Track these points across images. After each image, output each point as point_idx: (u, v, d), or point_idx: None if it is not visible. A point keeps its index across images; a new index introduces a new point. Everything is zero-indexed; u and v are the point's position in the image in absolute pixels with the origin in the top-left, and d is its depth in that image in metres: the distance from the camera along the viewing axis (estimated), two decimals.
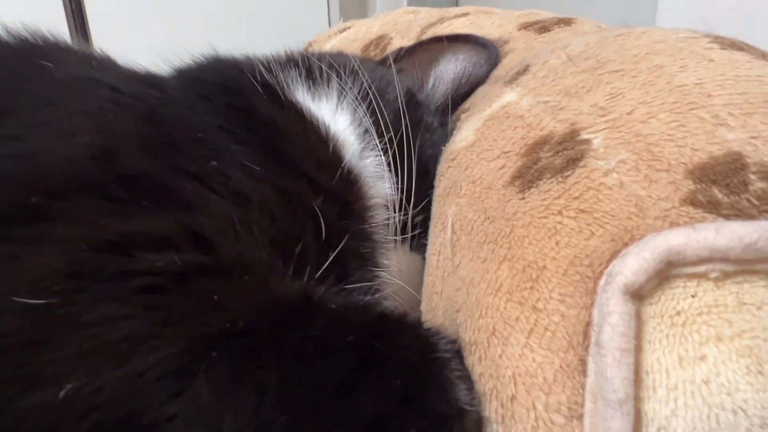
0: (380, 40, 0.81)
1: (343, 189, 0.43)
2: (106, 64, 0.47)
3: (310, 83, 0.50)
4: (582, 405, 0.30)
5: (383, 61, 0.64)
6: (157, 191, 0.35)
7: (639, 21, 0.52)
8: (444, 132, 0.55)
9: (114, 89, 0.42)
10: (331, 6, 2.28)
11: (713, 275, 0.29)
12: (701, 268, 0.29)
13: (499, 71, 0.61)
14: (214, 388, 0.28)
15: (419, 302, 0.47)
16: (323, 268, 0.38)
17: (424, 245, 0.48)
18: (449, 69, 0.61)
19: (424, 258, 0.48)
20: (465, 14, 0.77)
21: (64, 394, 0.26)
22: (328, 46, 0.91)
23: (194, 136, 0.41)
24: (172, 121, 0.41)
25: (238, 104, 0.45)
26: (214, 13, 1.95)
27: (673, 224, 0.31)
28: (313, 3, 2.26)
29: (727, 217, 0.31)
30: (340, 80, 0.50)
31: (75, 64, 0.44)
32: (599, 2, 1.54)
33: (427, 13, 0.83)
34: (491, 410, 0.34)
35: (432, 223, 0.48)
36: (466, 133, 0.49)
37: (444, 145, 0.52)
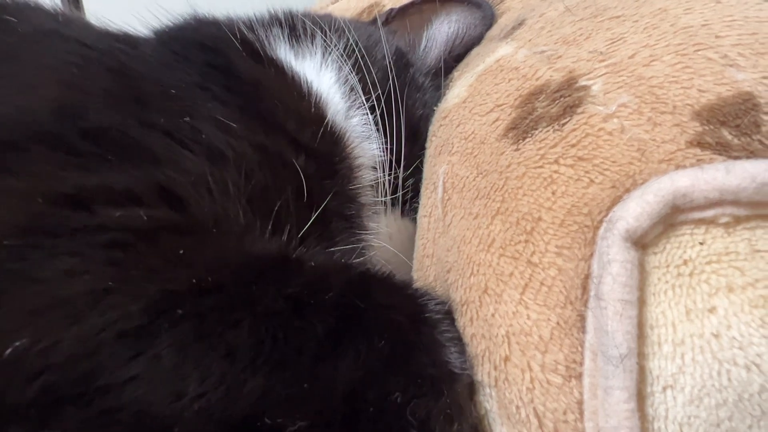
0: (373, 8, 0.78)
1: (326, 148, 0.41)
2: (75, 20, 0.45)
3: (294, 41, 0.48)
4: (581, 363, 0.28)
5: (372, 22, 0.61)
6: (122, 145, 0.33)
7: None
8: (436, 94, 0.53)
9: (82, 44, 0.39)
10: None
11: (723, 220, 0.27)
12: (710, 213, 0.27)
13: (494, 31, 0.58)
14: (178, 348, 0.26)
15: (411, 270, 0.44)
16: (304, 229, 0.36)
17: (416, 210, 0.46)
18: (442, 30, 0.58)
19: (415, 225, 0.45)
20: None
21: (10, 353, 0.24)
22: None
23: (167, 93, 0.38)
24: (142, 77, 0.39)
25: (216, 62, 0.43)
26: None
27: (680, 167, 0.28)
28: None
29: (737, 159, 0.28)
30: (325, 37, 0.47)
31: (41, 19, 0.42)
32: None
33: None
34: (483, 373, 0.31)
35: (423, 185, 0.45)
36: (458, 90, 0.46)
37: (436, 106, 0.49)
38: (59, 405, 0.24)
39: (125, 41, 0.43)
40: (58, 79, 0.36)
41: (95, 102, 0.35)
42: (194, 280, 0.28)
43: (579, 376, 0.28)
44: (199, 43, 0.45)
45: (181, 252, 0.29)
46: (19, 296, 0.26)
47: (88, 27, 0.44)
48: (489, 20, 0.59)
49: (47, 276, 0.26)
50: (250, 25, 0.48)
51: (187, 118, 0.36)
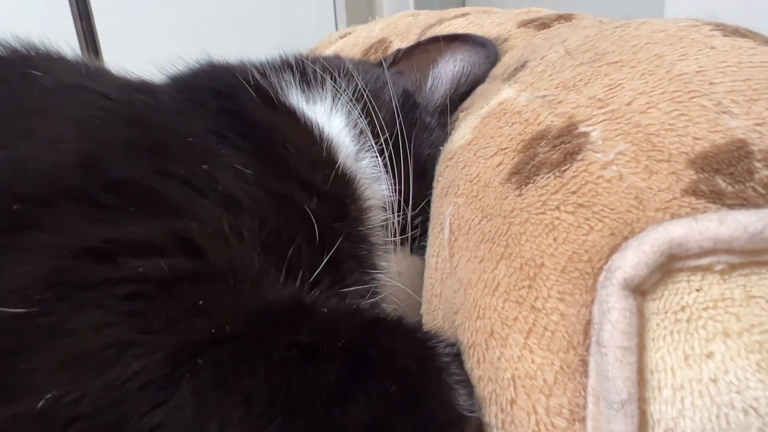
0: (381, 44, 0.81)
1: (337, 191, 0.43)
2: (97, 72, 0.47)
3: (305, 86, 0.50)
4: (584, 407, 0.29)
5: (379, 64, 0.63)
6: (143, 196, 0.35)
7: (646, 15, 0.50)
8: (443, 132, 0.54)
9: (103, 96, 0.41)
10: (337, 12, 2.29)
11: (719, 267, 0.28)
12: (705, 261, 0.28)
13: (498, 69, 0.60)
14: (198, 397, 0.27)
15: (420, 305, 0.46)
16: (317, 271, 0.37)
17: (425, 247, 0.47)
18: (448, 69, 0.60)
19: (424, 260, 0.47)
20: (464, 14, 0.76)
21: (42, 404, 0.26)
22: (330, 51, 0.90)
23: (184, 141, 0.40)
24: (161, 127, 0.41)
25: (231, 108, 0.45)
26: (221, 23, 1.97)
27: (675, 216, 0.30)
28: (320, 10, 2.27)
29: (731, 206, 0.29)
30: (335, 82, 0.49)
31: (65, 73, 0.44)
32: None
33: (427, 15, 0.82)
34: (491, 415, 0.32)
35: (431, 225, 0.46)
36: (463, 131, 0.48)
37: (443, 146, 0.51)
38: None
39: (144, 91, 0.45)
40: (82, 133, 0.37)
41: (117, 154, 0.37)
42: (213, 330, 0.29)
43: (582, 420, 0.29)
44: (214, 90, 0.47)
45: (201, 303, 0.30)
46: (49, 350, 0.27)
47: (109, 78, 0.47)
48: (493, 59, 0.60)
49: (74, 329, 0.28)
50: (262, 70, 0.50)
51: (205, 166, 0.38)
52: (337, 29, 2.23)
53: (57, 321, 0.28)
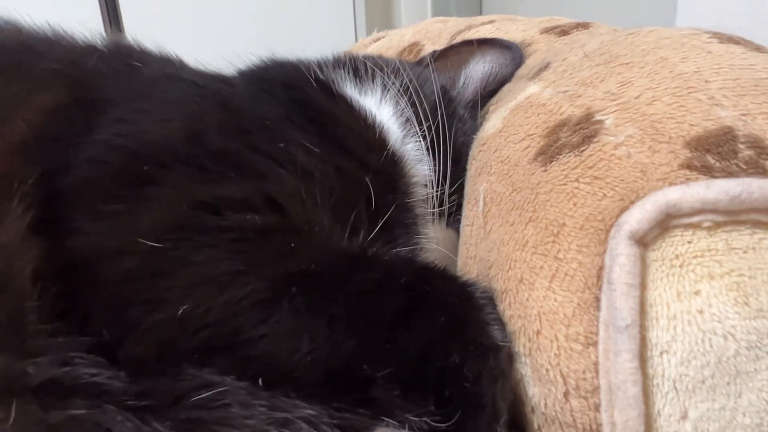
0: (413, 47, 0.88)
1: (389, 168, 0.50)
2: (183, 63, 0.55)
3: (357, 80, 0.57)
4: (596, 334, 0.36)
5: (420, 62, 0.71)
6: (237, 164, 0.43)
7: (659, 25, 0.55)
8: (474, 124, 0.62)
9: (196, 84, 0.49)
10: (357, 17, 2.36)
11: (706, 224, 0.35)
12: (695, 219, 0.35)
13: (523, 70, 0.67)
14: (294, 316, 0.35)
15: (456, 269, 0.53)
16: (373, 233, 0.45)
17: (459, 221, 0.55)
18: (478, 69, 0.68)
19: (458, 233, 0.54)
20: (491, 21, 0.84)
21: (181, 314, 0.33)
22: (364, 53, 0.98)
23: (262, 123, 0.48)
24: (244, 111, 0.49)
25: (297, 97, 0.53)
26: (241, 26, 2.02)
27: (672, 184, 0.37)
28: (340, 15, 2.34)
29: (718, 178, 0.36)
30: (384, 77, 0.57)
31: (160, 64, 0.52)
32: (619, 8, 1.60)
33: (456, 22, 0.90)
34: (520, 345, 0.40)
35: (465, 200, 0.54)
36: (494, 121, 0.55)
37: (474, 135, 0.59)
38: (214, 351, 0.34)
39: (224, 81, 0.54)
40: (184, 114, 0.45)
41: (213, 131, 0.45)
42: (302, 266, 0.37)
43: (595, 344, 0.36)
44: (282, 83, 0.55)
45: (291, 245, 0.38)
46: (182, 274, 0.35)
47: (195, 70, 0.55)
48: (518, 60, 0.68)
49: (198, 260, 0.36)
50: (320, 66, 0.57)
51: (282, 144, 0.46)
52: (356, 33, 2.30)
53: (184, 255, 0.36)
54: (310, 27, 2.17)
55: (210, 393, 0.32)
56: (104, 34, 0.53)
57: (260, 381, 0.33)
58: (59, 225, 0.37)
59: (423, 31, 0.92)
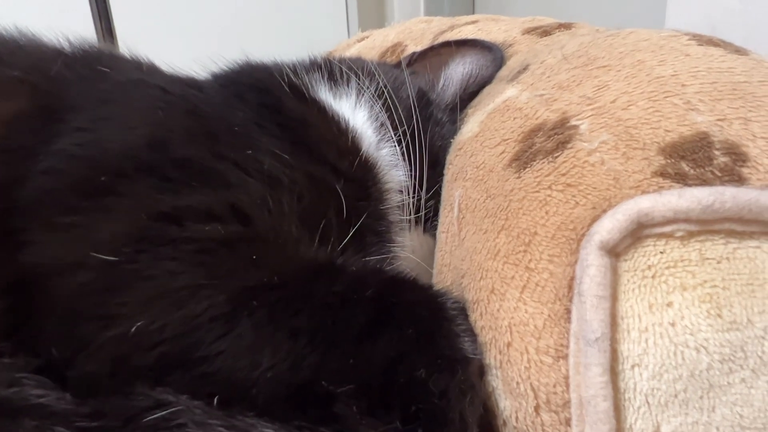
0: (396, 47, 0.87)
1: (361, 174, 0.49)
2: (152, 68, 0.54)
3: (332, 84, 0.56)
4: (567, 347, 0.35)
5: (397, 65, 0.70)
6: (202, 173, 0.41)
7: (648, 25, 0.54)
8: (453, 127, 0.61)
9: (162, 89, 0.48)
10: (350, 17, 2.35)
11: (679, 234, 0.34)
12: (668, 228, 0.34)
13: (503, 72, 0.66)
14: (255, 330, 0.34)
15: (431, 277, 0.52)
16: (344, 242, 0.44)
17: (436, 227, 0.54)
18: (458, 71, 0.67)
19: (435, 239, 0.53)
20: (474, 21, 0.83)
21: (135, 330, 0.32)
22: (348, 54, 0.97)
23: (231, 129, 0.47)
24: (212, 117, 0.48)
25: (269, 102, 0.51)
26: (235, 27, 2.02)
27: (645, 192, 0.36)
28: (333, 15, 2.33)
29: (692, 186, 0.35)
30: (359, 81, 0.56)
31: (129, 69, 0.51)
32: (609, 7, 1.59)
33: (439, 22, 0.89)
34: (491, 357, 0.39)
35: (441, 206, 0.53)
36: (471, 125, 0.54)
37: (453, 138, 0.58)
38: (170, 368, 0.33)
39: (193, 86, 0.52)
40: (149, 120, 0.44)
41: (178, 138, 0.44)
42: (265, 279, 0.36)
43: (565, 357, 0.35)
44: (253, 87, 0.53)
45: (254, 257, 0.37)
46: (138, 288, 0.34)
47: (164, 74, 0.53)
48: (499, 62, 0.67)
49: (156, 274, 0.35)
50: (294, 69, 0.56)
51: (250, 151, 0.45)
52: (349, 33, 2.30)
53: (141, 268, 0.35)
54: (303, 26, 2.17)
55: (164, 413, 0.31)
56: (71, 39, 0.51)
57: (215, 400, 0.32)
58: (12, 238, 0.36)
59: (406, 31, 0.91)
